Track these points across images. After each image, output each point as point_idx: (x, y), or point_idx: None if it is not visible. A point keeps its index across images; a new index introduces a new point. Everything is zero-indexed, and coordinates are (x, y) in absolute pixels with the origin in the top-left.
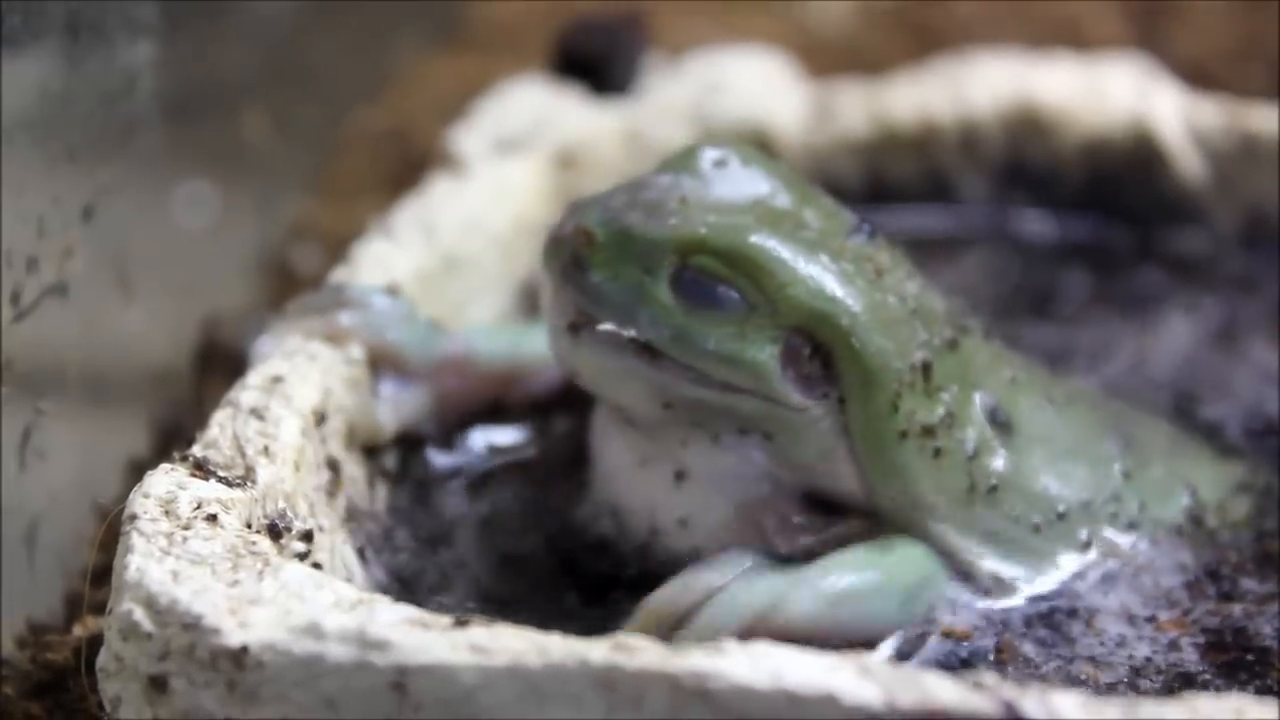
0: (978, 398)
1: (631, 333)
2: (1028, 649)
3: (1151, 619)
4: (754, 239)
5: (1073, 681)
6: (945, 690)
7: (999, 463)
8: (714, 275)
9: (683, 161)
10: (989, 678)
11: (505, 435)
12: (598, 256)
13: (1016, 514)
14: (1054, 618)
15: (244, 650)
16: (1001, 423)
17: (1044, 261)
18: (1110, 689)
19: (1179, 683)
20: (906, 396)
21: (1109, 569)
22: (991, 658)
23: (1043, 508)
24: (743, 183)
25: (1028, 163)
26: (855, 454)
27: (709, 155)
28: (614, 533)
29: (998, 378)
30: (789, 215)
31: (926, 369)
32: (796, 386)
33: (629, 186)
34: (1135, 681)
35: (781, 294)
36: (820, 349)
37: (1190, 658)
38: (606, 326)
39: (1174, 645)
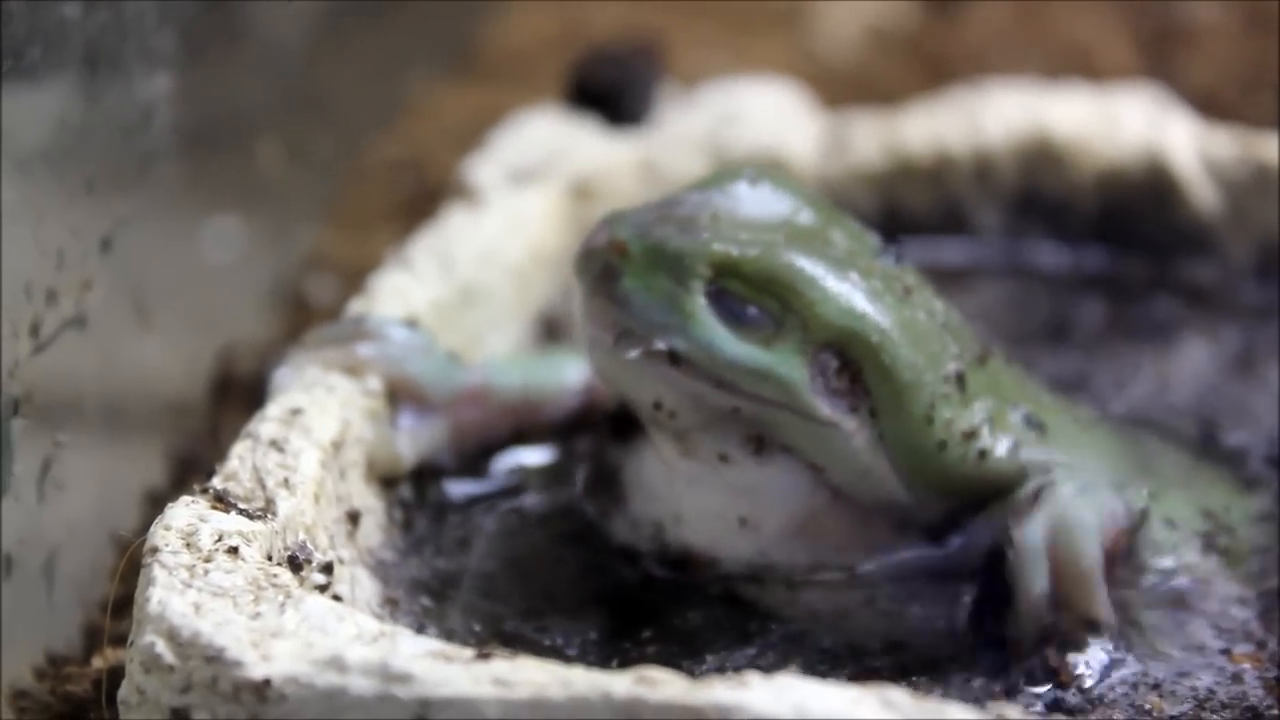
0: (1010, 409)
1: (661, 345)
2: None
3: (1225, 651)
4: (784, 258)
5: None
6: None
7: (1039, 454)
8: (743, 296)
9: (713, 181)
10: (1012, 710)
11: (528, 457)
12: (630, 267)
13: None
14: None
15: (266, 683)
16: (1037, 426)
17: (1062, 291)
18: None
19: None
20: (941, 407)
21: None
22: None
23: None
24: (772, 203)
25: (1042, 193)
26: (897, 468)
27: (738, 176)
28: (654, 547)
29: (1026, 393)
30: (817, 234)
31: (961, 379)
32: (826, 400)
33: (661, 203)
34: (1200, 715)
35: (811, 312)
36: (849, 364)
37: (1257, 692)
38: (637, 340)
39: (1238, 678)
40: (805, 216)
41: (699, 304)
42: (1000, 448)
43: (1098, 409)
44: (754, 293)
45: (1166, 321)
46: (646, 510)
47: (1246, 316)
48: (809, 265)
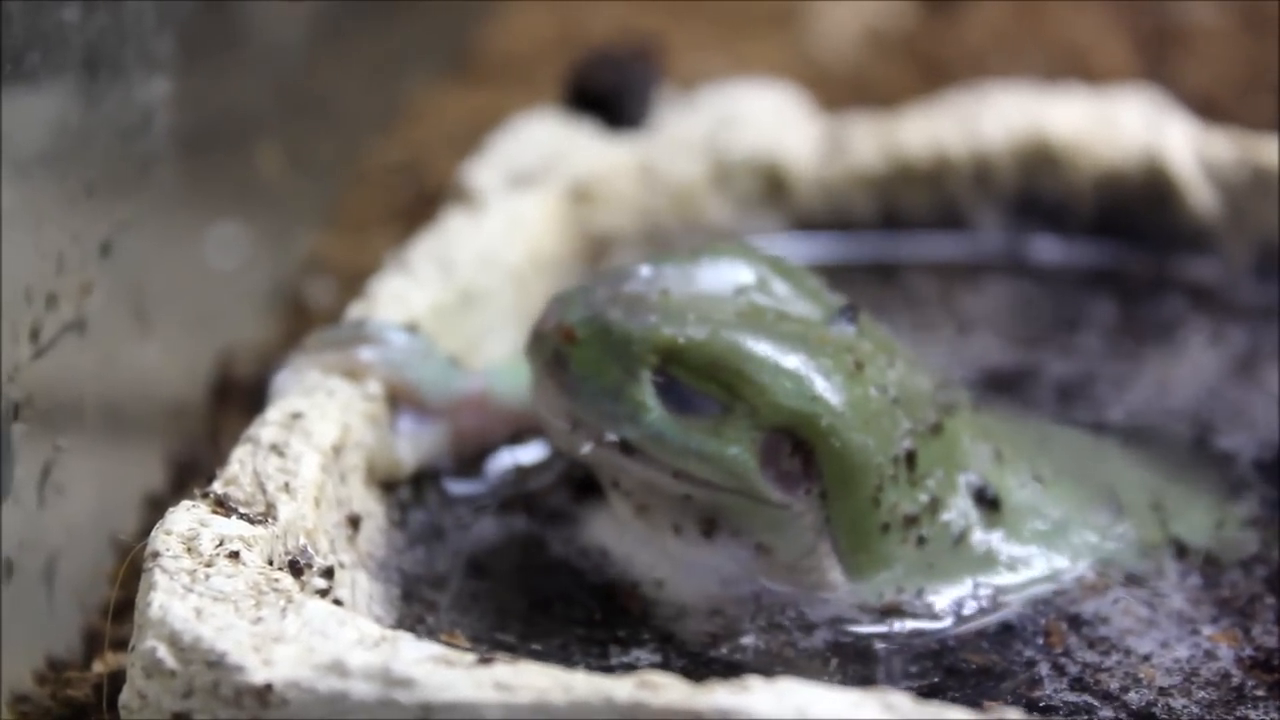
0: (963, 479)
1: (613, 436)
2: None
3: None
4: (729, 342)
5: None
6: None
7: (987, 541)
8: (691, 384)
9: (668, 255)
10: (1013, 713)
11: (525, 455)
12: (579, 354)
13: None
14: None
15: (268, 688)
16: (989, 500)
17: (1063, 293)
18: (1164, 693)
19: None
20: (889, 489)
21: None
22: (1041, 641)
23: None
24: (726, 273)
25: (1041, 196)
26: (837, 548)
27: (693, 249)
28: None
29: (983, 457)
30: (769, 308)
31: (910, 459)
32: (776, 484)
33: (613, 277)
34: (1189, 689)
35: (760, 398)
36: (800, 446)
37: (1236, 671)
38: (589, 430)
39: (1214, 655)
40: (758, 286)
41: (647, 392)
42: (941, 538)
43: (1092, 415)
44: (701, 381)
45: (1170, 323)
46: (592, 538)
47: (1249, 317)
48: (757, 347)
